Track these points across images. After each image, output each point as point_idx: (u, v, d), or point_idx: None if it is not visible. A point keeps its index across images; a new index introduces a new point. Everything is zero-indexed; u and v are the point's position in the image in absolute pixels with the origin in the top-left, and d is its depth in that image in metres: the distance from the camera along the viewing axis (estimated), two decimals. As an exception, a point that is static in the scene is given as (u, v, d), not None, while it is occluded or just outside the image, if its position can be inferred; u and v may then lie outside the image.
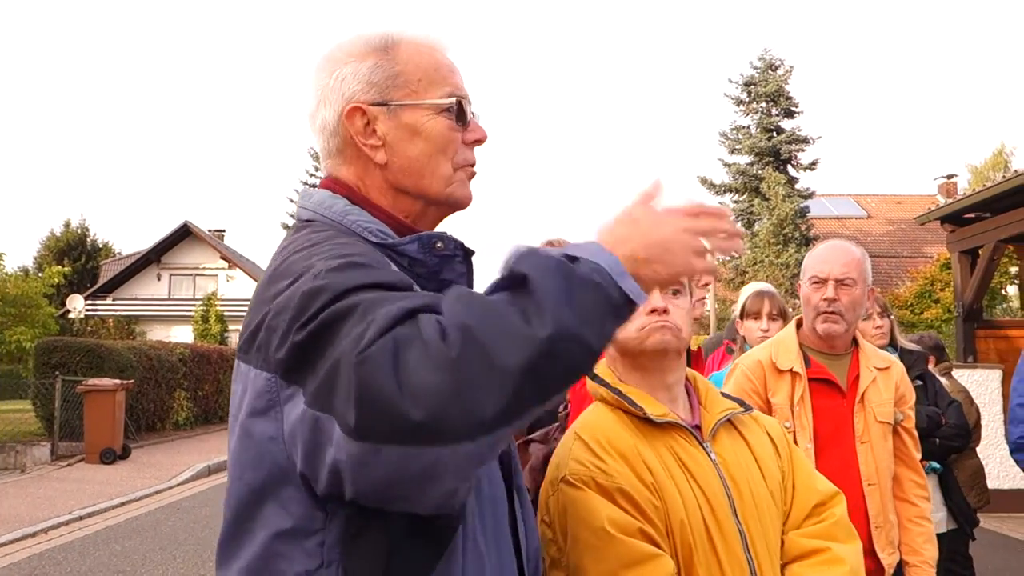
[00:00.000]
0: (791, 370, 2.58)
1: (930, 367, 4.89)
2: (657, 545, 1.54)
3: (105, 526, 8.82)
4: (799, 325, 2.71)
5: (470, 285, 1.32)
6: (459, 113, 1.31)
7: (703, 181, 27.17)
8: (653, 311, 1.69)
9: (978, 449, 5.19)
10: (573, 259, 1.01)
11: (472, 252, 1.32)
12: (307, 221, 1.30)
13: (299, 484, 1.05)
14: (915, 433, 2.63)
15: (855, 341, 2.68)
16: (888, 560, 2.49)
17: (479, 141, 1.36)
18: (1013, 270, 15.68)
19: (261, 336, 1.08)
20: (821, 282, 2.58)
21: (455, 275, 1.28)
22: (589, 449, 1.62)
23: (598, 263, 1.02)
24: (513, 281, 0.98)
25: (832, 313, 2.55)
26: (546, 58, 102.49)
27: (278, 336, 1.04)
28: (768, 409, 2.57)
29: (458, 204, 1.35)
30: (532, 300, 0.95)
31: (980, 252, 10.81)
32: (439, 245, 1.25)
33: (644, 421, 1.68)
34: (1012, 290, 17.18)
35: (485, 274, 1.33)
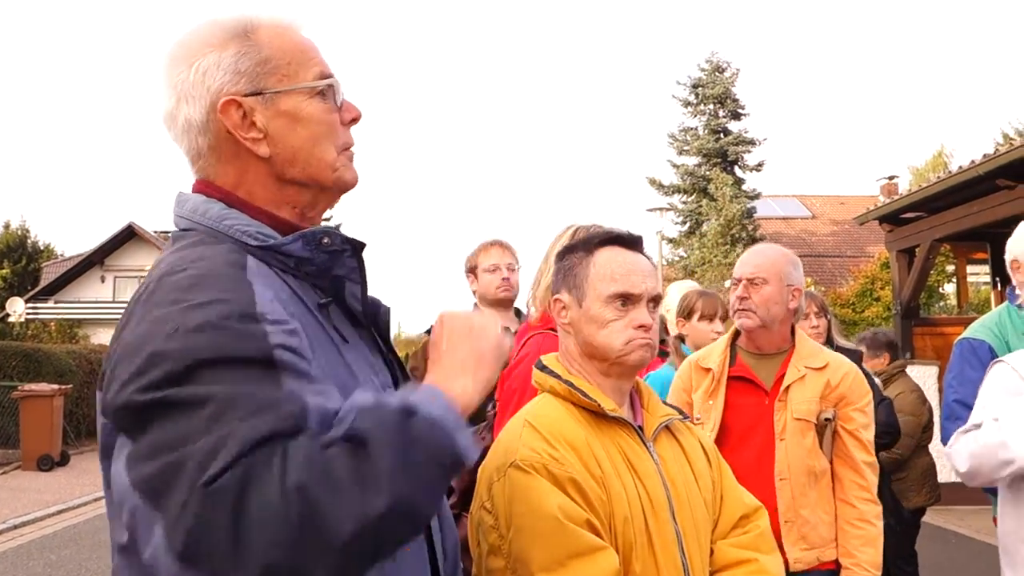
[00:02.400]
0: (711, 368, 2.77)
1: (867, 364, 5.02)
2: (601, 538, 1.55)
3: (40, 535, 8.59)
4: (739, 330, 2.84)
5: (363, 280, 1.29)
6: (332, 94, 1.27)
7: (652, 182, 27.39)
8: (641, 326, 1.71)
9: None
10: (412, 412, 1.00)
11: (362, 245, 1.28)
12: (184, 231, 1.24)
13: None
14: (861, 436, 2.66)
15: (794, 342, 2.76)
16: (796, 555, 2.54)
17: (355, 120, 1.32)
18: (950, 269, 16.13)
19: (107, 375, 1.05)
20: (736, 282, 2.79)
21: (346, 270, 1.26)
22: (541, 437, 1.61)
23: (435, 417, 1.01)
24: (353, 439, 0.96)
25: (743, 310, 2.73)
26: (493, 57, 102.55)
27: (116, 385, 1.01)
28: (692, 405, 2.78)
29: (347, 187, 1.31)
30: (370, 466, 0.94)
31: (917, 251, 11.09)
32: (325, 241, 1.22)
33: (593, 415, 1.69)
34: (949, 288, 17.67)
35: (374, 268, 1.32)
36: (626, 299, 1.72)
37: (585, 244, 1.80)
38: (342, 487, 0.91)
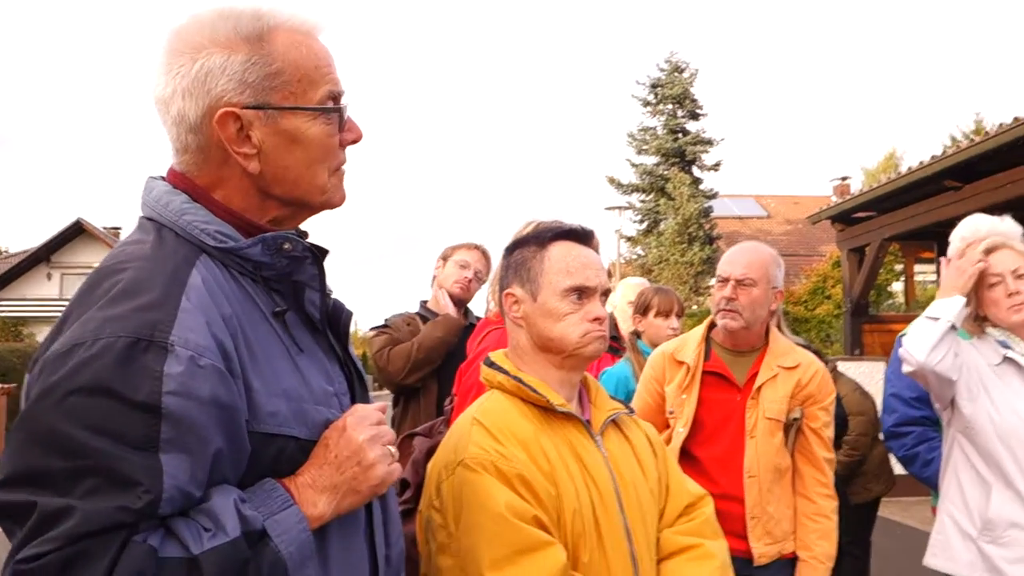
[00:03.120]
0: (686, 362, 2.74)
1: None
2: (549, 533, 1.56)
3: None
4: (713, 323, 2.83)
5: (323, 286, 1.26)
6: (338, 116, 1.22)
7: (611, 181, 27.56)
8: (596, 319, 1.72)
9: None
10: (262, 539, 1.02)
11: (324, 252, 1.26)
12: (147, 218, 1.20)
13: None
14: (824, 434, 2.71)
15: (767, 340, 2.78)
16: (761, 550, 2.58)
17: (355, 141, 1.27)
18: (899, 268, 16.47)
19: (34, 373, 1.05)
20: (724, 281, 2.73)
21: (307, 276, 1.23)
22: (489, 434, 1.61)
23: (282, 555, 1.03)
24: (192, 567, 0.95)
25: (730, 311, 2.69)
26: (454, 55, 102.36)
27: (26, 397, 1.02)
28: (664, 397, 2.77)
29: (333, 208, 1.27)
30: None
31: (867, 250, 11.32)
32: (287, 247, 1.18)
33: (542, 410, 1.70)
34: (898, 287, 18.05)
35: (333, 274, 1.30)
36: (581, 292, 1.73)
37: (537, 238, 1.80)
38: None
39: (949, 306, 2.40)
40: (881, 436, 5.55)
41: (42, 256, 32.88)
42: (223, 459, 1.04)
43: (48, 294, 32.37)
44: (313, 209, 1.26)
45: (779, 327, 4.16)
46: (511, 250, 1.84)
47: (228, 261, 1.15)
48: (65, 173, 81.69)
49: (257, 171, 1.17)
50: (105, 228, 33.52)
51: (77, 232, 32.68)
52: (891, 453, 3.17)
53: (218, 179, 1.19)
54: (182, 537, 0.96)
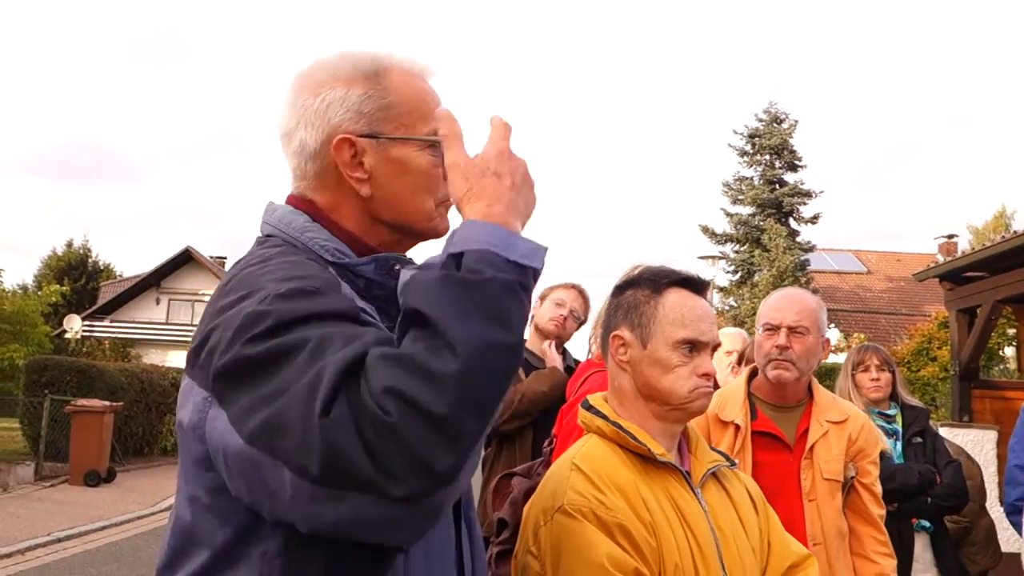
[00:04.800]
0: (734, 422, 2.53)
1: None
2: None
3: (83, 549, 8.70)
4: (752, 375, 2.67)
5: None
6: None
7: (705, 230, 27.27)
8: (705, 375, 1.70)
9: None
10: (458, 257, 0.99)
11: None
12: (267, 236, 1.28)
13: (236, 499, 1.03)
14: (875, 489, 2.56)
15: (811, 393, 2.61)
16: None
17: None
18: (1011, 332, 15.65)
19: (204, 352, 1.05)
20: (774, 329, 2.56)
21: None
22: (589, 481, 1.58)
23: (481, 248, 1.00)
24: (412, 320, 0.97)
25: (784, 360, 2.52)
26: (555, 99, 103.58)
27: (217, 354, 1.01)
28: None
29: (438, 236, 1.32)
30: (434, 332, 0.93)
31: (978, 311, 10.80)
32: (397, 267, 1.23)
33: (641, 459, 1.66)
34: (1009, 352, 17.15)
35: None
36: (694, 345, 1.70)
37: (652, 282, 1.76)
38: (422, 369, 0.91)
39: None
40: (988, 506, 5.27)
41: (152, 282, 34.58)
42: None
43: (156, 318, 33.95)
44: (419, 236, 1.32)
45: (895, 386, 4.02)
46: (621, 290, 1.82)
47: (344, 277, 1.20)
48: (177, 204, 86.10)
49: (368, 195, 1.24)
50: (212, 257, 35.03)
51: (186, 260, 34.28)
52: (1015, 529, 2.96)
53: (333, 203, 1.27)
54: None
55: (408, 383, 0.89)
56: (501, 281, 0.98)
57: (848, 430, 2.53)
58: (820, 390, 2.62)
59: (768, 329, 2.57)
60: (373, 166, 1.24)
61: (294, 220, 1.25)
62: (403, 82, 1.27)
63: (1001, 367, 17.25)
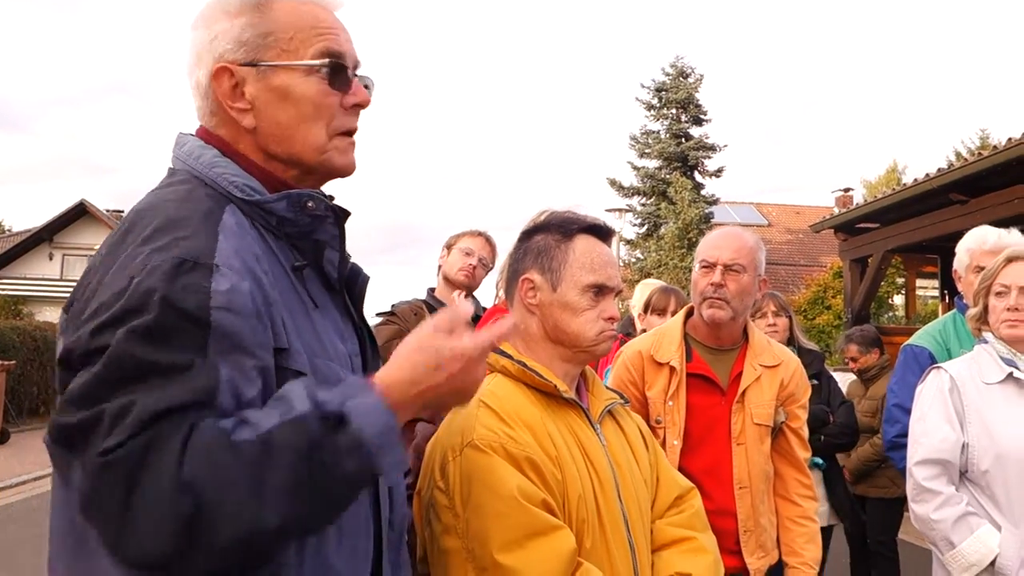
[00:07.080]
0: (669, 364, 2.50)
1: (860, 361, 5.16)
2: (556, 517, 1.56)
3: (-24, 514, 8.35)
4: (688, 315, 2.63)
5: (342, 246, 1.29)
6: (335, 74, 1.23)
7: (612, 183, 27.54)
8: (610, 318, 1.75)
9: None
10: (341, 422, 0.99)
11: (347, 213, 1.28)
12: (175, 170, 1.24)
13: None
14: (803, 433, 2.58)
15: (747, 336, 2.58)
16: (756, 564, 2.42)
17: (359, 105, 1.28)
18: (900, 280, 16.49)
19: (72, 313, 1.06)
20: (710, 267, 2.49)
21: (328, 236, 1.25)
22: (498, 416, 1.61)
23: (364, 438, 0.99)
24: (266, 442, 0.95)
25: (718, 299, 2.46)
26: (462, 49, 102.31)
27: (75, 325, 1.02)
28: (644, 402, 2.51)
29: (336, 173, 1.28)
30: (273, 475, 0.93)
31: (869, 261, 11.33)
32: (310, 205, 1.21)
33: (546, 396, 1.71)
34: (899, 300, 18.06)
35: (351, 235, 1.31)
36: (600, 290, 1.74)
37: (562, 228, 1.79)
38: (237, 494, 0.91)
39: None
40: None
41: (44, 236, 32.84)
42: (268, 376, 1.06)
43: (49, 274, 32.34)
44: (315, 171, 1.27)
45: (792, 331, 4.18)
46: (530, 235, 1.83)
47: (253, 214, 1.18)
48: (70, 155, 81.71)
49: (252, 126, 1.21)
50: (108, 211, 33.47)
51: (80, 213, 32.64)
52: (894, 464, 3.15)
53: (233, 138, 1.24)
54: (254, 420, 0.97)
55: (215, 499, 0.91)
56: (356, 481, 1.01)
57: (781, 375, 2.53)
58: (756, 333, 2.60)
59: (704, 266, 2.51)
60: (254, 95, 1.20)
61: (203, 154, 1.22)
62: (289, 10, 1.23)
63: (890, 315, 18.15)
